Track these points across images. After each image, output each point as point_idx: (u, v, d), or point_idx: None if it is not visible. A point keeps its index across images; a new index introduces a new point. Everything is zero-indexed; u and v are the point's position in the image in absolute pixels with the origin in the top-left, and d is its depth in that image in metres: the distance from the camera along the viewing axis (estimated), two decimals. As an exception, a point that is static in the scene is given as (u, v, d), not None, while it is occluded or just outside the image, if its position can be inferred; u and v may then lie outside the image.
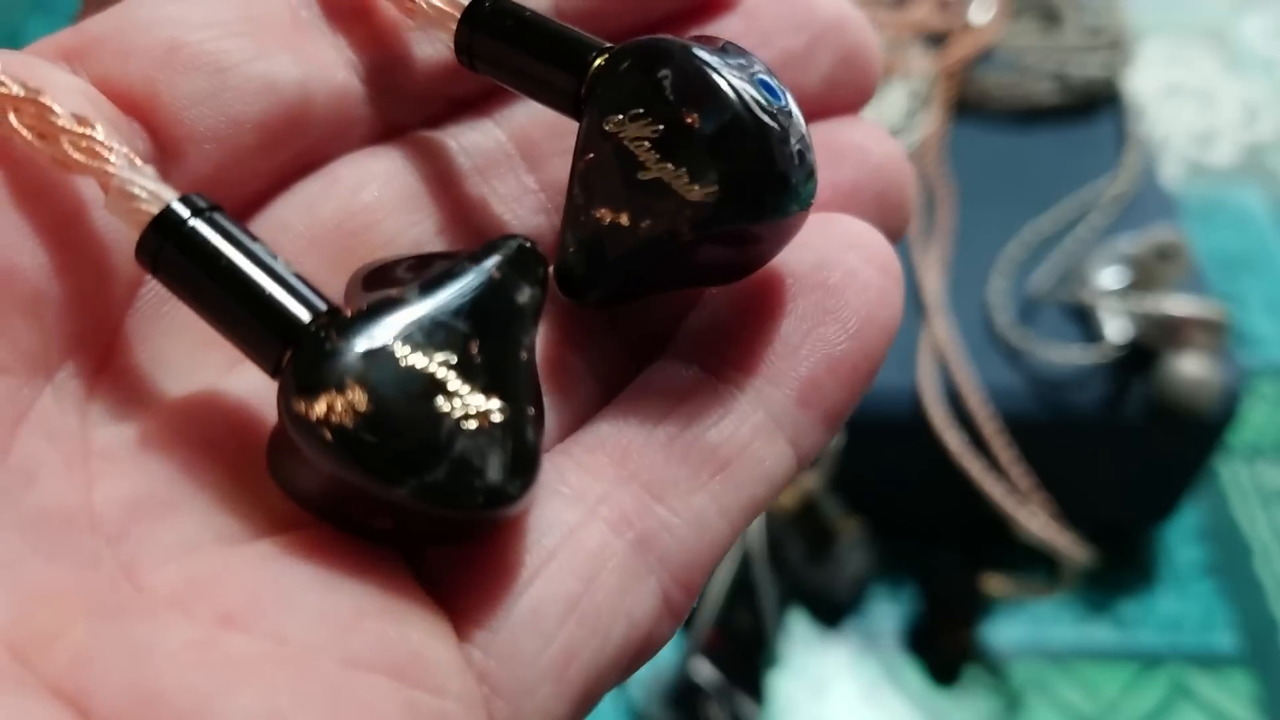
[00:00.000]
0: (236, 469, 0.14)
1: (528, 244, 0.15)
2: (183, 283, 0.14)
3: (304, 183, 0.16)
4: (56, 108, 0.14)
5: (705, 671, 0.41)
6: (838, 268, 0.16)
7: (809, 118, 0.17)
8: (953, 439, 0.41)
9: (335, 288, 0.15)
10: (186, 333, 0.15)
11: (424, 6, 0.16)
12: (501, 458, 0.13)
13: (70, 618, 0.12)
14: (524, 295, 0.14)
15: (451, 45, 0.16)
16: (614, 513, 0.14)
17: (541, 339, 0.16)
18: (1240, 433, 0.51)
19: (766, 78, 0.15)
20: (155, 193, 0.13)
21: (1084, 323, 0.43)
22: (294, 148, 0.16)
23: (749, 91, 0.14)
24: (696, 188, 0.14)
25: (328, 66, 0.16)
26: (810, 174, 0.15)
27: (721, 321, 0.16)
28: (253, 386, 0.15)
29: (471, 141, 0.17)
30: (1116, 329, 0.42)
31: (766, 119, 0.14)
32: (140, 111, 0.15)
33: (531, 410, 0.14)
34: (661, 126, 0.14)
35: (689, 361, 0.16)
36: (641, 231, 0.15)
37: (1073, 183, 0.49)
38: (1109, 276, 0.44)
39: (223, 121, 0.15)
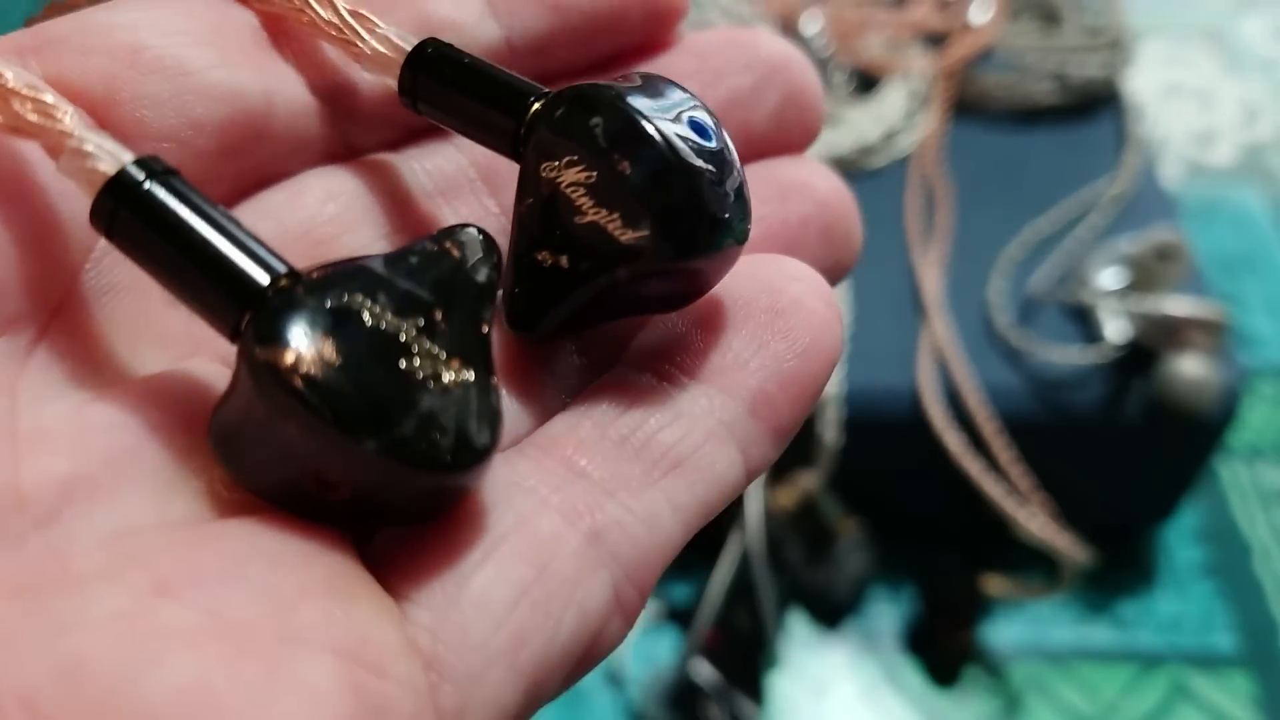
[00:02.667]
0: (180, 453, 0.14)
1: (482, 231, 0.15)
2: (139, 246, 0.13)
3: (268, 193, 0.17)
4: (6, 72, 0.13)
5: (705, 671, 0.41)
6: (785, 295, 0.16)
7: (758, 155, 0.18)
8: (952, 439, 0.41)
9: None
10: (129, 321, 0.15)
11: (367, 51, 0.16)
12: (468, 417, 0.13)
13: None
14: (481, 275, 0.14)
15: (395, 88, 0.17)
16: (567, 504, 0.14)
17: (506, 347, 0.16)
18: (1240, 433, 0.51)
19: (699, 115, 0.15)
20: (112, 153, 0.13)
21: (1084, 323, 0.43)
22: (254, 158, 0.16)
23: (678, 135, 0.15)
24: (630, 231, 0.15)
25: (290, 83, 0.17)
26: (744, 208, 0.15)
27: (675, 336, 0.16)
28: (200, 373, 0.15)
29: (433, 165, 0.18)
30: (1116, 329, 0.42)
31: (696, 161, 0.15)
32: (96, 109, 0.15)
33: (493, 380, 0.14)
34: (594, 173, 0.15)
35: (641, 369, 0.16)
36: (582, 272, 0.15)
37: (1072, 183, 0.49)
38: (1109, 276, 0.44)
39: (183, 123, 0.15)
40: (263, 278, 0.13)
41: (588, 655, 0.14)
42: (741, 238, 0.15)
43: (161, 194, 0.13)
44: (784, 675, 0.44)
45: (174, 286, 0.13)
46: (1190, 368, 0.40)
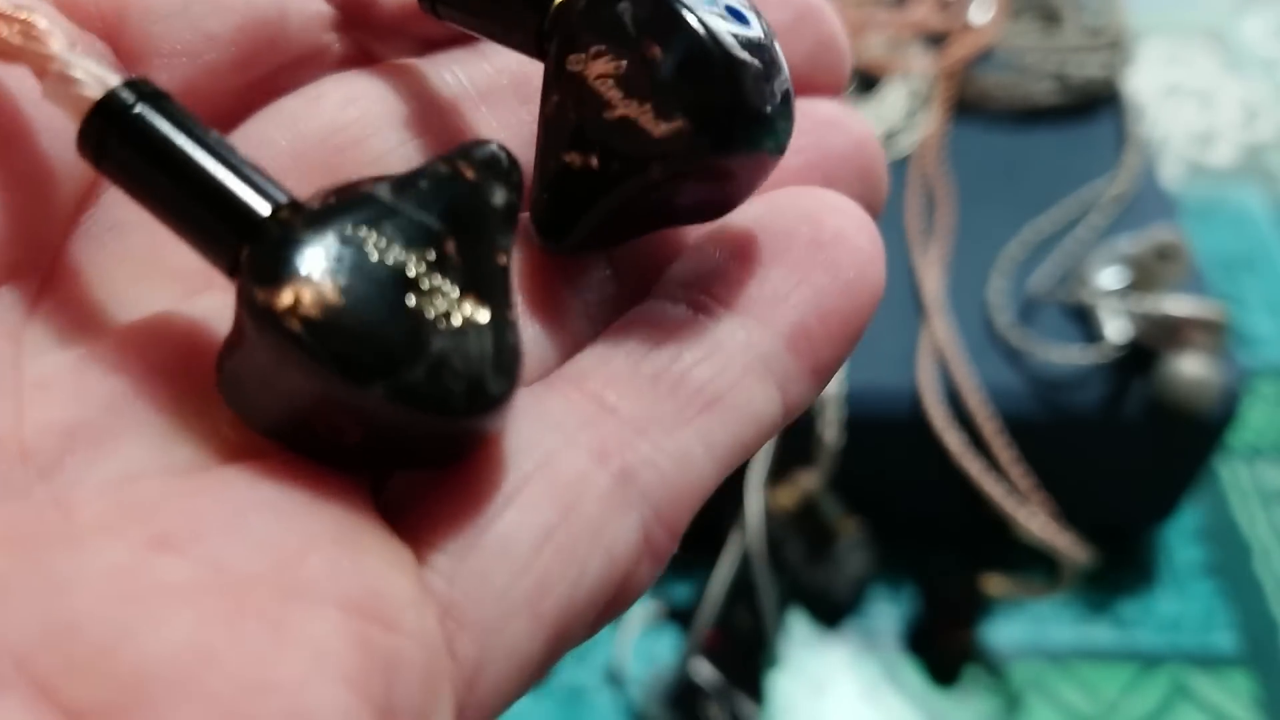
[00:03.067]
0: (184, 396, 0.13)
1: (501, 147, 0.14)
2: (130, 174, 0.12)
3: (285, 99, 0.16)
4: None
5: (705, 671, 0.41)
6: (827, 227, 0.15)
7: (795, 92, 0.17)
8: (953, 439, 0.41)
9: None
10: (137, 258, 0.14)
11: None
12: (483, 360, 0.12)
13: None
14: (499, 198, 0.13)
15: None
16: (595, 443, 0.13)
17: (534, 272, 0.16)
18: (1240, 433, 0.51)
19: (736, 5, 0.14)
20: (99, 76, 0.12)
21: (1084, 323, 0.43)
22: (267, 67, 0.16)
23: (714, 20, 0.14)
24: (663, 124, 0.14)
25: None
26: (789, 113, 0.14)
27: (712, 265, 0.16)
28: (205, 312, 0.14)
29: (463, 71, 0.17)
30: (1116, 329, 0.42)
31: (733, 49, 0.14)
32: (106, 25, 0.14)
33: (511, 316, 0.13)
34: (624, 62, 0.14)
35: (676, 299, 0.15)
36: (612, 174, 0.14)
37: (1073, 183, 0.49)
38: (1109, 276, 0.44)
39: (195, 36, 0.15)
40: (262, 208, 0.12)
41: (616, 600, 0.14)
42: (781, 145, 0.14)
43: (151, 118, 0.12)
44: (784, 675, 0.44)
45: (167, 219, 0.13)
46: (1190, 368, 0.40)
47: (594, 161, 0.14)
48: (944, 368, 0.42)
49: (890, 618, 0.45)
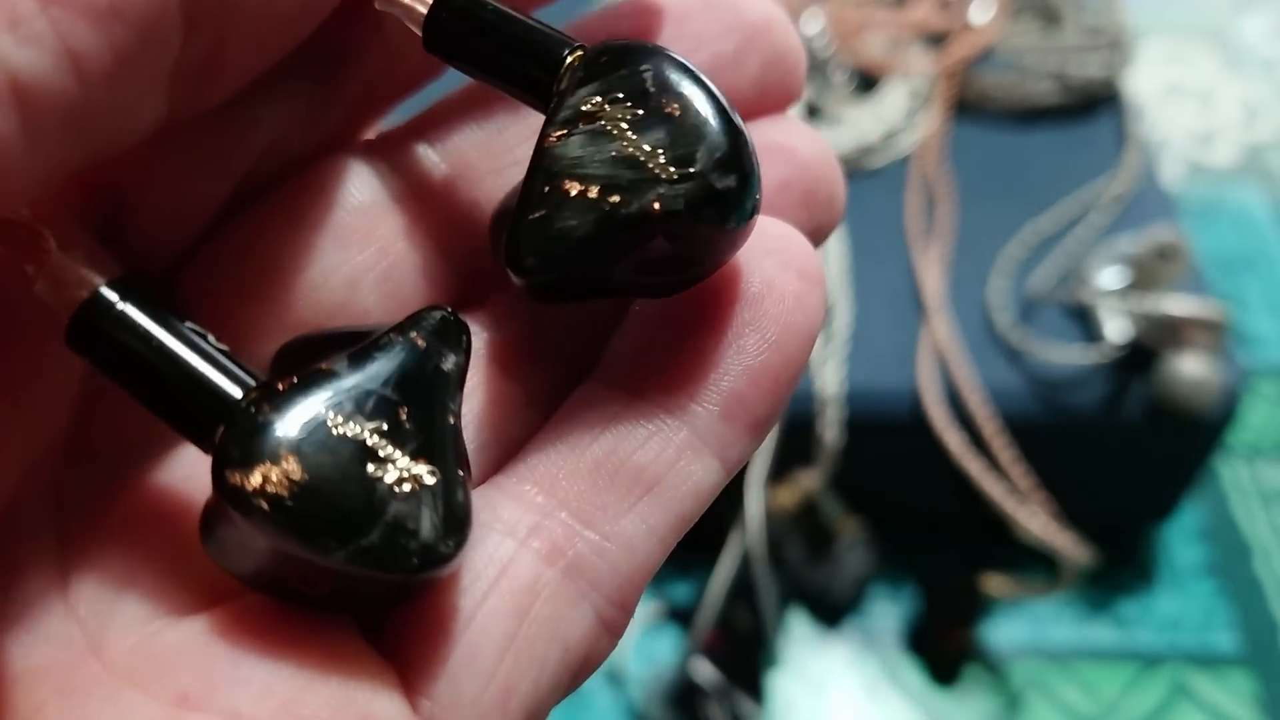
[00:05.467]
0: (182, 542, 0.15)
1: (450, 314, 0.15)
2: (113, 366, 0.14)
3: (237, 224, 0.17)
4: None
5: (705, 671, 0.41)
6: (755, 276, 0.16)
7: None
8: (953, 439, 0.41)
9: (270, 333, 0.16)
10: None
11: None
12: (434, 519, 0.13)
13: (46, 697, 0.13)
14: (449, 363, 0.15)
15: (420, 24, 0.16)
16: (545, 544, 0.15)
17: (480, 371, 0.17)
18: (1240, 433, 0.51)
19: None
20: (85, 278, 0.14)
21: (1084, 323, 0.43)
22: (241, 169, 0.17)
23: (724, 95, 0.15)
24: (674, 169, 0.14)
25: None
26: (759, 187, 0.15)
27: (644, 341, 0.16)
28: (193, 461, 0.16)
29: (408, 163, 0.18)
30: (1116, 329, 0.42)
31: (740, 122, 0.15)
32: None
33: (461, 473, 0.14)
34: (641, 112, 0.15)
35: (614, 384, 0.16)
36: (609, 206, 0.14)
37: (1073, 183, 0.49)
38: (1109, 276, 0.44)
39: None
40: (233, 392, 0.14)
41: (577, 676, 0.15)
42: (751, 215, 0.15)
43: (131, 317, 0.14)
44: (784, 674, 0.44)
45: (148, 404, 0.14)
46: (1190, 367, 0.40)
47: (593, 191, 0.15)
48: (944, 368, 0.42)
49: (890, 617, 0.45)
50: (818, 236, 0.18)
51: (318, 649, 0.14)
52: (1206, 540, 0.48)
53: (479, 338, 0.17)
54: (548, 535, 0.15)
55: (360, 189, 0.17)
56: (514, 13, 0.16)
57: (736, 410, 0.15)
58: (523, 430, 0.16)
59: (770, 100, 0.18)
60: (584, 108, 0.15)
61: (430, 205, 0.17)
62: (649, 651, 0.44)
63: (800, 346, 0.16)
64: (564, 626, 0.15)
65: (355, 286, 0.17)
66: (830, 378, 0.42)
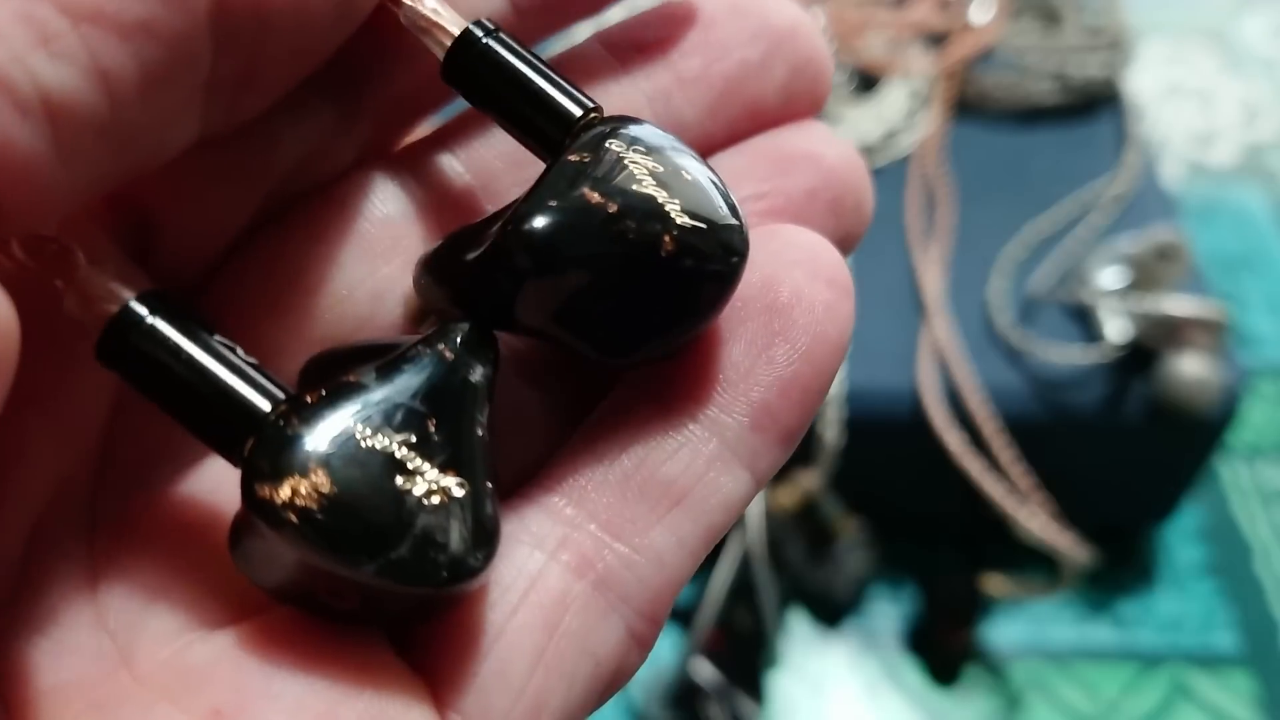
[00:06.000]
0: (212, 554, 0.15)
1: (475, 328, 0.15)
2: (143, 380, 0.14)
3: (262, 238, 0.16)
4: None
5: (705, 671, 0.41)
6: (785, 286, 0.16)
7: (763, 127, 0.18)
8: (953, 439, 0.41)
9: (297, 346, 0.16)
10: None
11: (426, 14, 0.16)
12: (463, 532, 0.13)
13: (77, 712, 0.13)
14: (477, 374, 0.15)
15: (441, 57, 0.16)
16: (574, 557, 0.15)
17: (504, 381, 0.16)
18: (1240, 433, 0.51)
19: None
20: (114, 292, 0.14)
21: (1084, 323, 0.43)
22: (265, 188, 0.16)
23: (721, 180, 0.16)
24: (686, 219, 0.15)
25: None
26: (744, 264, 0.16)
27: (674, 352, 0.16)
28: (221, 473, 0.15)
29: (433, 174, 0.18)
30: (1116, 329, 0.42)
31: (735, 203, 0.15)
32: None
33: (489, 485, 0.14)
34: (660, 166, 0.15)
35: (642, 394, 0.16)
36: (623, 226, 0.15)
37: (1073, 183, 0.49)
38: (1109, 276, 0.44)
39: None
40: (262, 405, 0.14)
41: (608, 690, 0.15)
42: (734, 279, 0.15)
43: (161, 330, 0.14)
44: (784, 675, 0.44)
45: (178, 417, 0.14)
46: (1190, 367, 0.40)
47: (611, 207, 0.15)
48: (944, 368, 0.42)
49: (890, 618, 0.45)
50: (846, 244, 0.17)
51: (350, 663, 0.14)
52: (1206, 540, 0.48)
53: (503, 348, 0.17)
54: (577, 548, 0.15)
55: (385, 201, 0.17)
56: (535, 60, 0.16)
57: (766, 421, 0.15)
58: (547, 442, 0.16)
59: (796, 106, 0.18)
60: (609, 145, 0.15)
61: (455, 216, 0.17)
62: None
63: (831, 357, 0.16)
64: (594, 640, 0.14)
65: (381, 299, 0.17)
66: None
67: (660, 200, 0.15)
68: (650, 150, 0.15)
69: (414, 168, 0.17)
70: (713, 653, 0.41)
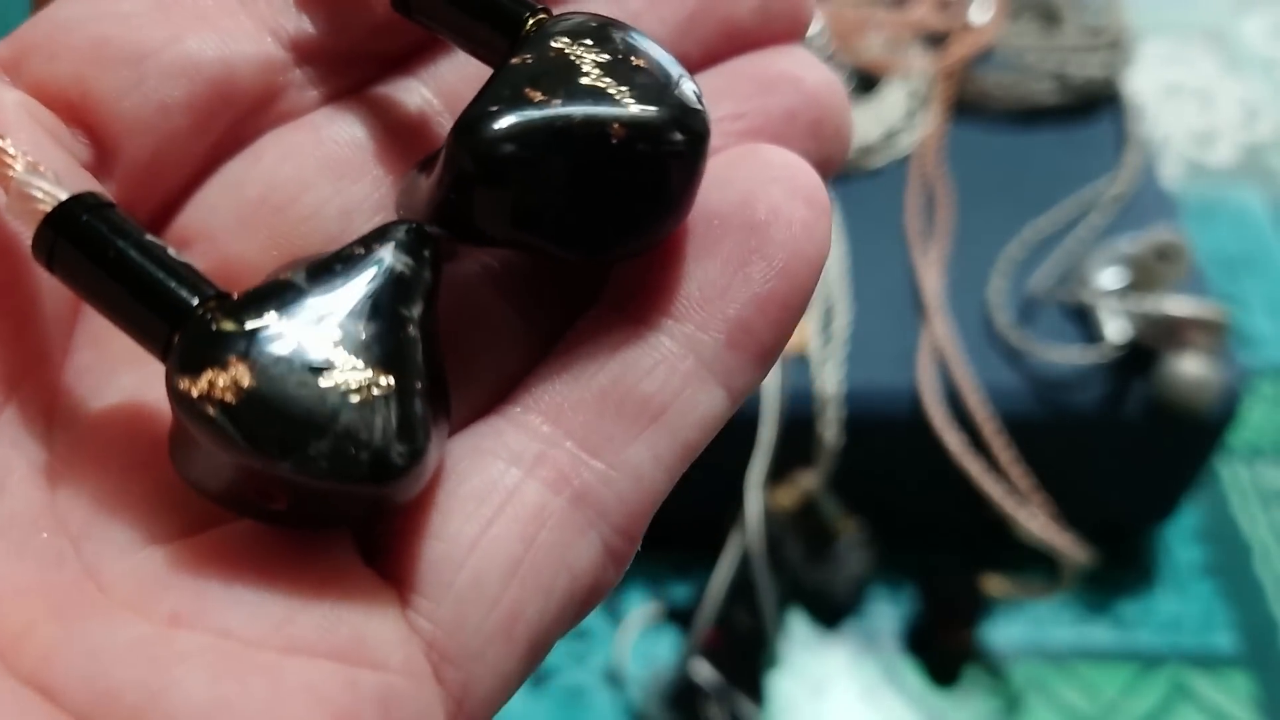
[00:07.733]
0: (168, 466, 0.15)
1: (417, 226, 0.15)
2: (76, 276, 0.14)
3: (230, 164, 0.17)
4: None
5: (705, 671, 0.41)
6: (762, 203, 0.16)
7: (741, 49, 0.18)
8: (953, 439, 0.41)
9: (268, 266, 0.15)
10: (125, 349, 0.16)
11: None
12: (387, 429, 0.13)
13: (36, 616, 0.13)
14: (412, 274, 0.14)
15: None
16: (551, 472, 0.15)
17: (482, 300, 0.16)
18: (1240, 433, 0.51)
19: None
20: (50, 192, 0.14)
21: (1084, 323, 0.43)
22: (223, 123, 0.16)
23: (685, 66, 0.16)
24: (636, 107, 0.15)
25: (245, 38, 0.17)
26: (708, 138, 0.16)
27: (651, 267, 0.16)
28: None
29: (399, 101, 0.18)
30: (1116, 329, 0.42)
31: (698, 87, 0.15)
32: (76, 113, 0.15)
33: (420, 384, 0.14)
34: (608, 57, 0.15)
35: (619, 312, 0.16)
36: (574, 117, 0.15)
37: (1073, 183, 0.49)
38: (1109, 276, 0.44)
39: (153, 110, 0.16)
40: (189, 299, 0.14)
41: (584, 606, 0.15)
42: (701, 157, 0.15)
43: (94, 226, 0.14)
44: (784, 675, 0.44)
45: (109, 313, 0.14)
46: (1190, 368, 0.40)
47: (557, 102, 0.15)
48: (944, 368, 0.42)
49: (890, 618, 0.45)
50: (826, 169, 0.17)
51: (313, 571, 0.14)
52: (1206, 541, 0.48)
53: (480, 266, 0.17)
54: (553, 464, 0.15)
55: (353, 125, 0.17)
56: None
57: (743, 339, 0.15)
58: (525, 361, 0.16)
59: (776, 28, 0.18)
60: (552, 43, 0.15)
61: (424, 138, 0.17)
62: (649, 652, 0.44)
63: (808, 274, 0.16)
64: (570, 554, 0.14)
65: (350, 216, 0.17)
66: (830, 378, 0.42)
67: (606, 88, 0.15)
68: (598, 41, 0.15)
69: (381, 96, 0.18)
70: (712, 653, 0.41)
